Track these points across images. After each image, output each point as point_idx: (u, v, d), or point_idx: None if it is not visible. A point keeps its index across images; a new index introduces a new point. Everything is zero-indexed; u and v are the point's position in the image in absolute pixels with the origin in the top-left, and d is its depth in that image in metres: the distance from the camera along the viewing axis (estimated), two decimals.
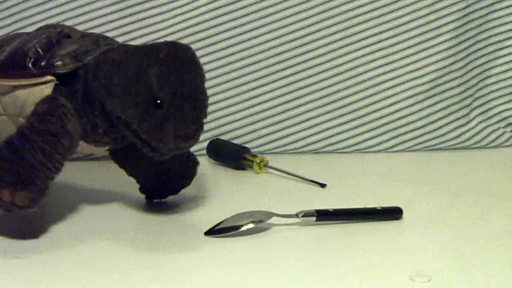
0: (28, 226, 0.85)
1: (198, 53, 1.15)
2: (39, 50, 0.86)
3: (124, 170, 0.94)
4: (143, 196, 0.94)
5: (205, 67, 1.14)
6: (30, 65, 0.85)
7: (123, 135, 0.83)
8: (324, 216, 0.86)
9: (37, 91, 0.84)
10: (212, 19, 1.16)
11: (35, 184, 0.79)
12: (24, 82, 0.85)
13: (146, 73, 0.79)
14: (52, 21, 1.12)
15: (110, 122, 0.83)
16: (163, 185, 0.93)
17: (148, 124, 0.79)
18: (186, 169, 0.92)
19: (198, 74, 0.82)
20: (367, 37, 1.18)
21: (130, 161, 0.92)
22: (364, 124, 1.17)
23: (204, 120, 0.82)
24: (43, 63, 0.85)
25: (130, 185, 0.95)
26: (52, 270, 0.75)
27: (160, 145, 0.79)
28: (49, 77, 0.84)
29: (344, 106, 1.17)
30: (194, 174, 0.93)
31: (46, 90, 0.84)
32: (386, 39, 1.18)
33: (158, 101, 0.79)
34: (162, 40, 1.13)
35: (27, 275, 0.73)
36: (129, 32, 1.14)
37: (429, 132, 1.18)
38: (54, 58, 0.85)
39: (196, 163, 0.93)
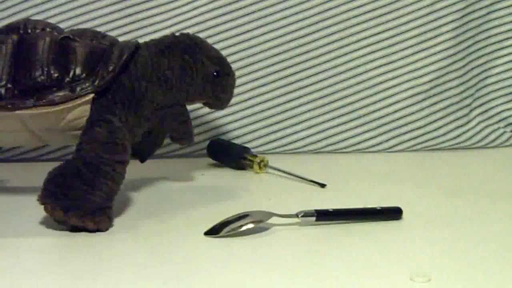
0: (28, 225, 0.85)
1: None
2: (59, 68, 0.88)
3: None
4: (142, 195, 0.94)
5: None
6: (67, 88, 0.87)
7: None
8: (323, 216, 0.86)
9: (79, 110, 0.88)
10: (212, 19, 1.16)
11: (110, 208, 0.85)
12: (68, 105, 0.87)
13: (197, 58, 0.94)
14: (51, 21, 1.12)
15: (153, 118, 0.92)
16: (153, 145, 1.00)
17: (217, 91, 0.96)
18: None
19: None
20: (366, 37, 1.18)
21: None
22: (364, 124, 1.18)
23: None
24: (79, 83, 0.88)
25: (130, 185, 0.95)
26: (52, 269, 0.75)
27: (217, 104, 0.97)
28: (91, 95, 0.88)
29: (344, 106, 1.17)
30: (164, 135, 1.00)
31: (87, 106, 0.88)
32: (386, 39, 1.18)
33: (215, 73, 0.95)
34: None
35: (27, 274, 0.73)
36: (129, 32, 1.14)
37: (429, 132, 1.18)
38: (92, 75, 0.88)
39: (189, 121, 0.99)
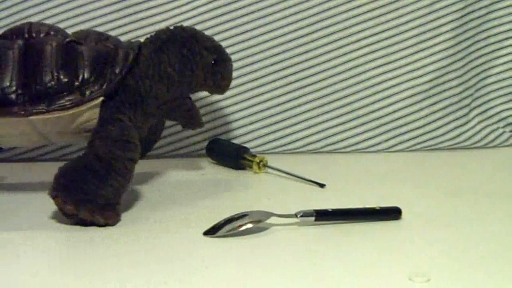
0: (28, 225, 0.85)
1: None
2: (87, 71, 0.90)
3: None
4: (142, 195, 0.94)
5: None
6: (77, 91, 0.89)
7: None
8: (323, 216, 0.86)
9: (89, 113, 0.90)
10: (211, 19, 1.16)
11: (119, 204, 0.87)
12: (79, 109, 0.89)
13: (195, 50, 0.95)
14: (51, 21, 1.12)
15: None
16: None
17: (216, 77, 0.97)
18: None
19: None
20: (366, 37, 1.18)
21: None
22: (363, 124, 1.17)
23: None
24: (91, 87, 0.90)
25: (130, 186, 0.95)
26: (53, 268, 0.75)
27: (218, 89, 0.99)
28: (101, 98, 0.89)
29: (343, 106, 1.17)
30: (160, 133, 1.06)
31: (96, 109, 0.90)
32: (385, 39, 1.18)
33: (213, 62, 0.97)
34: None
35: (28, 272, 0.73)
36: (129, 32, 1.14)
37: (428, 132, 1.18)
38: (100, 78, 0.90)
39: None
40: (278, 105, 1.17)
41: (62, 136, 0.91)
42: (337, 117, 1.17)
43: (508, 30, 1.23)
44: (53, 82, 0.89)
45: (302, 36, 1.17)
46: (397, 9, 1.19)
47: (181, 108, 0.96)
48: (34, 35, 0.92)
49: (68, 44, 0.91)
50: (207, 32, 1.14)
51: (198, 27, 1.15)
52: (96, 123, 0.89)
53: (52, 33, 0.93)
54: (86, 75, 0.90)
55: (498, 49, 1.23)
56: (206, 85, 0.98)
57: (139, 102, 0.92)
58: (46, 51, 0.90)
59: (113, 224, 0.85)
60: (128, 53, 0.92)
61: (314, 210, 0.86)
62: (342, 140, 1.17)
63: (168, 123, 1.10)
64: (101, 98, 0.89)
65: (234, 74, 1.15)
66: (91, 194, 0.85)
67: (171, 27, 0.97)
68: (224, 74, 0.99)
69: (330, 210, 0.87)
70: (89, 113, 0.90)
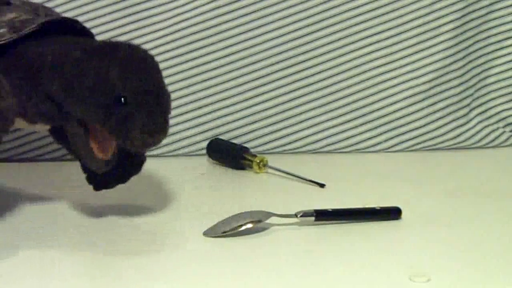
0: (28, 225, 0.85)
1: (197, 53, 1.16)
2: None
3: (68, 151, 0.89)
4: (141, 195, 0.94)
5: (205, 67, 1.16)
6: None
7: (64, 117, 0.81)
8: (323, 216, 0.86)
9: None
10: (212, 19, 1.16)
11: None
12: None
13: (107, 74, 0.77)
14: None
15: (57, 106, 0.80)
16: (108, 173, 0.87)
17: (114, 122, 0.77)
18: (132, 157, 0.87)
19: (158, 73, 0.80)
20: (366, 37, 1.18)
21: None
22: (363, 124, 1.17)
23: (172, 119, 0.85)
24: None
25: (129, 185, 0.95)
26: (52, 269, 0.75)
27: (126, 142, 0.77)
28: None
29: (343, 106, 1.17)
30: (143, 160, 0.88)
31: None
32: (385, 39, 1.18)
33: (122, 99, 0.77)
34: (162, 39, 1.14)
35: (26, 274, 0.73)
36: (129, 32, 1.14)
37: (428, 132, 1.18)
38: None
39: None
40: (278, 105, 1.17)
41: None
42: (337, 117, 1.17)
43: (508, 30, 1.23)
44: None
45: (302, 36, 1.17)
46: (397, 9, 1.19)
47: (74, 136, 0.82)
48: None
49: None
50: (207, 32, 1.15)
51: (198, 27, 1.15)
52: None
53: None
54: None
55: (498, 49, 1.23)
56: (92, 121, 0.79)
57: (31, 73, 0.80)
58: None
59: None
60: (35, 22, 0.83)
61: (314, 210, 0.86)
62: (342, 140, 1.17)
63: None
64: None
65: (235, 74, 1.16)
66: None
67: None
68: (124, 122, 0.77)
69: (330, 210, 0.87)
70: None
